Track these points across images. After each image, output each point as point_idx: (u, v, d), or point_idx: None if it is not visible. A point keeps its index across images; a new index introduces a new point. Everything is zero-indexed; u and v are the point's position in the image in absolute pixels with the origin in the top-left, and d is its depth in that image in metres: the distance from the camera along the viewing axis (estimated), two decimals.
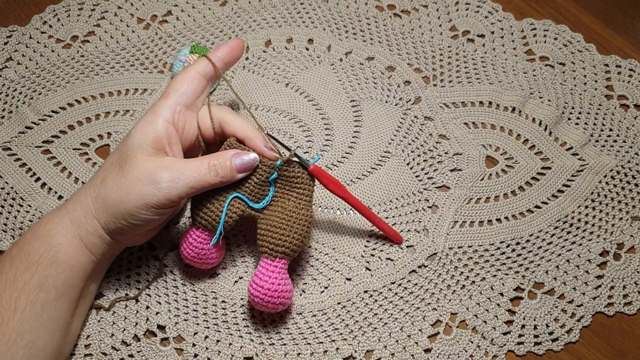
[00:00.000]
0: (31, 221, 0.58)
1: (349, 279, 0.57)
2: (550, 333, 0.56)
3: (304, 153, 0.62)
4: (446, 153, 0.62)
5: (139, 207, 0.47)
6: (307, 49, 0.67)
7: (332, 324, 0.55)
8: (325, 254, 0.58)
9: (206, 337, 0.54)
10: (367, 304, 0.56)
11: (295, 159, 0.50)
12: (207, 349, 0.54)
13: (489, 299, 0.56)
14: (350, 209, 0.59)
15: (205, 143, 0.52)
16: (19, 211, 0.58)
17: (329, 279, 0.57)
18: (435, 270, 0.57)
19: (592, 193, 0.61)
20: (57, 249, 0.47)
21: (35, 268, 0.46)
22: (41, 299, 0.46)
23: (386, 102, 0.65)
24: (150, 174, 0.46)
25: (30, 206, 0.59)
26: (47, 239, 0.47)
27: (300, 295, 0.56)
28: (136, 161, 0.47)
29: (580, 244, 0.59)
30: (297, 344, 0.54)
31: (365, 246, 0.58)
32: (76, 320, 0.51)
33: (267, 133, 0.50)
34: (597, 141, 0.63)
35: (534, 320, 0.56)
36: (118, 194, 0.47)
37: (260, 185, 0.50)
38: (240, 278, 0.57)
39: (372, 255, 0.58)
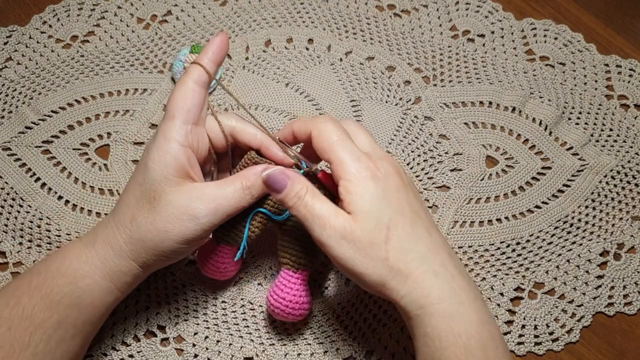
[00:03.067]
0: (31, 222, 0.58)
1: (349, 280, 0.57)
2: (551, 333, 0.56)
3: None
4: (446, 153, 0.62)
5: (181, 243, 0.45)
6: (307, 48, 0.67)
7: (332, 324, 0.55)
8: (325, 255, 0.57)
9: (206, 337, 0.54)
10: (367, 304, 0.56)
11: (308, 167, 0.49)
12: (207, 349, 0.54)
13: (489, 299, 0.56)
14: None
15: (216, 154, 0.50)
16: (19, 211, 0.58)
17: (329, 279, 0.57)
18: None
19: (592, 193, 0.61)
20: (83, 291, 0.45)
21: (56, 307, 0.44)
22: (57, 336, 0.44)
23: (386, 102, 0.65)
24: (187, 209, 0.44)
25: (30, 206, 0.59)
26: (74, 280, 0.45)
27: None
28: (166, 195, 0.45)
29: (581, 244, 0.59)
30: (297, 345, 0.54)
31: None
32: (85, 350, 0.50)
33: (279, 139, 0.49)
34: (597, 141, 0.63)
35: (534, 320, 0.56)
36: (156, 233, 0.45)
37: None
38: (241, 278, 0.57)
39: None
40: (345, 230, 0.43)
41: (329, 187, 0.49)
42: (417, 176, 0.61)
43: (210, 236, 0.51)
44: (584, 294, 0.57)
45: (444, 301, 0.42)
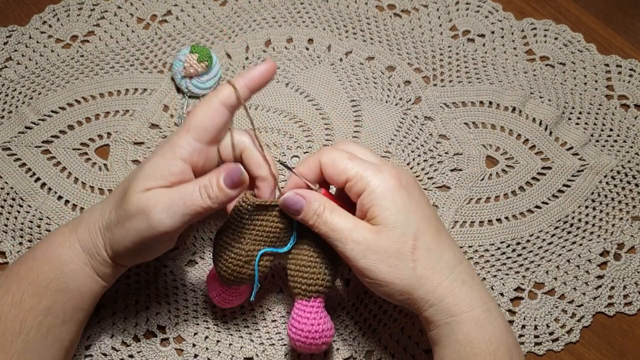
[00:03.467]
0: (31, 222, 0.58)
1: (349, 280, 0.57)
2: (551, 333, 0.56)
3: (304, 153, 0.62)
4: (446, 153, 0.62)
5: (137, 243, 0.44)
6: (307, 48, 0.67)
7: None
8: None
9: (206, 337, 0.54)
10: (367, 304, 0.56)
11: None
12: (207, 349, 0.54)
13: None
14: None
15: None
16: (19, 211, 0.58)
17: None
18: None
19: (592, 193, 0.61)
20: (68, 276, 0.46)
21: (44, 292, 0.45)
22: (48, 322, 0.45)
23: (386, 102, 0.65)
24: (143, 209, 0.43)
25: (30, 206, 0.59)
26: (59, 265, 0.46)
27: None
28: (130, 194, 0.44)
29: (581, 244, 0.59)
30: None
31: None
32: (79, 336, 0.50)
33: (279, 161, 0.48)
34: (597, 141, 0.63)
35: (534, 320, 0.56)
36: (120, 229, 0.45)
37: (283, 230, 0.48)
38: None
39: None
40: (368, 241, 0.43)
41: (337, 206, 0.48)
42: (417, 176, 0.61)
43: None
44: (584, 294, 0.57)
45: (474, 309, 0.43)
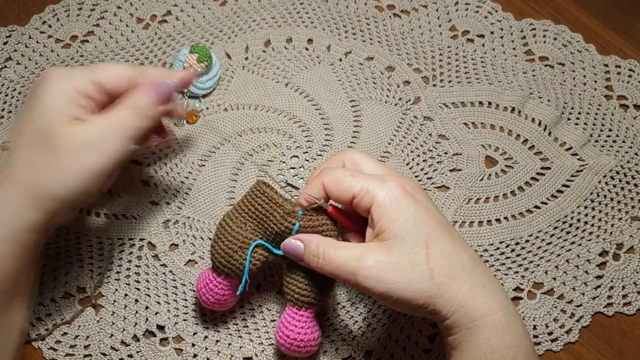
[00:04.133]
0: None
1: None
2: (550, 333, 0.56)
3: (304, 153, 0.62)
4: (445, 153, 0.62)
5: (88, 179, 0.43)
6: (306, 48, 0.67)
7: (332, 324, 0.55)
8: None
9: (205, 337, 0.54)
10: (366, 304, 0.56)
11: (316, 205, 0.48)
12: (206, 349, 0.54)
13: None
14: None
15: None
16: None
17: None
18: None
19: (591, 193, 0.61)
20: None
21: None
22: None
23: (386, 102, 0.65)
24: (86, 141, 0.43)
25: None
26: None
27: None
28: (62, 133, 0.43)
29: (580, 244, 0.59)
30: None
31: None
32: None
33: (286, 182, 0.49)
34: (596, 141, 0.63)
35: (534, 320, 0.56)
36: (60, 174, 0.43)
37: (282, 234, 0.48)
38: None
39: None
40: (380, 262, 0.42)
41: (345, 221, 0.48)
42: (416, 176, 0.61)
43: (210, 268, 0.50)
44: (583, 294, 0.57)
45: (495, 313, 0.42)
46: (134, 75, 0.47)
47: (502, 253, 0.59)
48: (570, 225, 0.60)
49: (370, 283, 0.42)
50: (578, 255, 0.59)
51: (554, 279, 0.58)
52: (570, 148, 0.63)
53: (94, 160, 0.43)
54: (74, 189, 0.43)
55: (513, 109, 0.64)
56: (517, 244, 0.59)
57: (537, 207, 0.60)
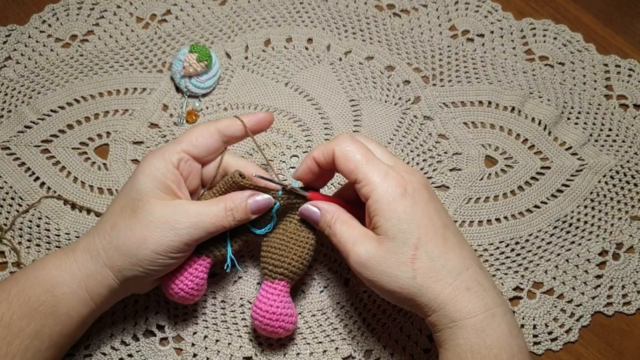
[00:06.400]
0: (30, 221, 0.58)
1: (348, 279, 0.57)
2: (550, 333, 0.56)
3: (303, 153, 0.62)
4: (445, 153, 0.62)
5: (158, 252, 0.46)
6: (306, 48, 0.67)
7: (332, 323, 0.55)
8: (324, 254, 0.58)
9: (205, 336, 0.54)
10: (366, 304, 0.56)
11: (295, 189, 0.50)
12: (206, 348, 0.54)
13: None
14: None
15: (203, 187, 0.52)
16: (17, 211, 0.58)
17: (328, 279, 0.57)
18: None
19: (591, 193, 0.61)
20: (59, 299, 0.45)
21: (33, 315, 0.44)
22: (34, 346, 0.44)
23: (385, 101, 0.65)
24: (168, 220, 0.46)
25: (29, 206, 0.59)
26: (51, 288, 0.45)
27: (300, 295, 0.56)
28: (150, 205, 0.46)
29: (580, 244, 0.59)
30: (296, 344, 0.54)
31: None
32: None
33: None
34: (596, 141, 0.63)
35: (533, 319, 0.56)
36: (134, 240, 0.46)
37: (265, 214, 0.50)
38: (240, 278, 0.57)
39: None
40: (369, 252, 0.45)
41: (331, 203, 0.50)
42: None
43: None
44: (582, 293, 0.57)
45: (476, 315, 0.43)
46: (219, 129, 0.50)
47: (502, 252, 0.59)
48: (570, 224, 0.60)
49: (359, 268, 0.45)
50: (578, 255, 0.59)
51: (554, 278, 0.58)
52: (570, 147, 0.63)
53: (168, 237, 0.46)
54: (143, 256, 0.46)
55: (513, 109, 0.64)
56: (517, 243, 0.59)
57: (537, 206, 0.60)
